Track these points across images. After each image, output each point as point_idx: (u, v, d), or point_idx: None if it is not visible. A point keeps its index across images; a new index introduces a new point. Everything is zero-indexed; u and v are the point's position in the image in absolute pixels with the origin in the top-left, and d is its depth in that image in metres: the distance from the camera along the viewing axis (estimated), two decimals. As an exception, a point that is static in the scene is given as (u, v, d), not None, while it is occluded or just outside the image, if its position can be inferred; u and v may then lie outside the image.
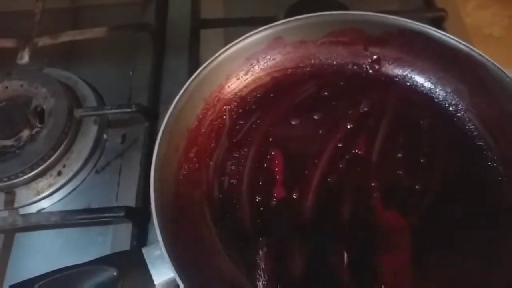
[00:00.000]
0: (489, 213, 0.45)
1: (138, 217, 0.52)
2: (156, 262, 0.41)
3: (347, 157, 0.50)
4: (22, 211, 0.55)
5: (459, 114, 0.51)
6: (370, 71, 0.55)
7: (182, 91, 0.47)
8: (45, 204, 0.56)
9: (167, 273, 0.40)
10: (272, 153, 0.51)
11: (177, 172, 0.47)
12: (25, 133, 0.58)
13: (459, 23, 0.70)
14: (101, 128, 0.60)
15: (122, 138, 0.61)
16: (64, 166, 0.57)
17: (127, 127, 0.61)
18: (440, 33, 0.50)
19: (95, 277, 0.38)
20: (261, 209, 0.48)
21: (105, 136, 0.61)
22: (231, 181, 0.50)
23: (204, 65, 0.49)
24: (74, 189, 0.57)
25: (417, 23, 0.51)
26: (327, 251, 0.45)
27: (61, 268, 0.39)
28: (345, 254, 0.44)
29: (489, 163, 0.48)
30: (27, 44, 0.65)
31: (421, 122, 0.51)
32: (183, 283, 0.38)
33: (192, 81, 0.48)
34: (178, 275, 0.38)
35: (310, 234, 0.46)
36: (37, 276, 0.39)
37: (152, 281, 0.40)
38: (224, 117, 0.53)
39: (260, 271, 0.44)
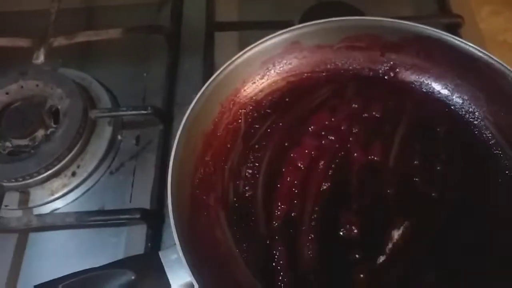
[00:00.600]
0: (505, 223, 0.45)
1: (153, 219, 0.52)
2: (173, 266, 0.41)
3: (362, 162, 0.50)
4: (36, 211, 0.56)
5: (476, 122, 0.51)
6: (387, 77, 0.55)
7: (199, 94, 0.48)
8: (59, 204, 0.56)
9: (184, 277, 0.40)
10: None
11: (193, 175, 0.47)
12: (40, 133, 0.59)
13: (475, 29, 0.69)
14: (115, 129, 0.61)
15: (137, 139, 0.61)
16: (78, 167, 0.58)
17: (141, 128, 0.61)
18: (457, 40, 0.50)
19: (113, 280, 0.39)
20: (277, 213, 0.48)
21: (119, 137, 0.61)
22: (246, 185, 0.50)
23: (221, 69, 0.50)
24: (88, 190, 0.57)
25: (434, 29, 0.51)
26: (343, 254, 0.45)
27: (82, 270, 0.39)
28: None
29: (507, 172, 0.48)
30: (43, 44, 0.65)
31: (438, 129, 0.51)
32: (200, 286, 0.38)
33: (209, 85, 0.48)
34: (196, 279, 0.39)
35: (324, 239, 0.46)
36: (60, 278, 0.39)
37: (169, 285, 0.40)
38: (240, 121, 0.53)
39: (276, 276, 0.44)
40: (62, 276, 0.39)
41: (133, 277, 0.39)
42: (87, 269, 0.39)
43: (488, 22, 0.75)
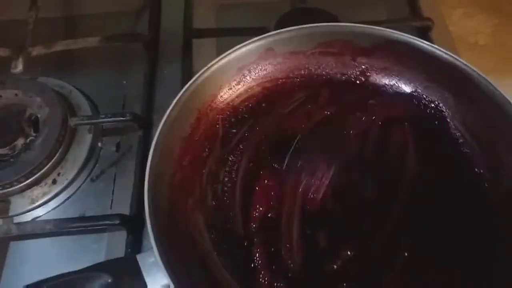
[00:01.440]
0: (477, 219, 0.47)
1: (132, 225, 0.53)
2: (151, 269, 0.41)
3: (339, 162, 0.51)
4: (17, 219, 0.56)
5: (445, 122, 0.53)
6: (358, 81, 0.57)
7: (175, 101, 0.49)
8: (40, 212, 0.57)
9: (162, 280, 0.41)
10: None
11: (171, 180, 0.48)
12: (20, 142, 0.59)
13: (445, 32, 0.72)
14: (95, 137, 0.61)
15: (117, 146, 0.62)
16: (58, 175, 0.58)
17: (121, 135, 0.62)
18: (425, 43, 0.52)
19: (90, 284, 0.39)
20: (254, 215, 0.49)
21: (99, 144, 0.62)
22: (224, 189, 0.51)
23: (197, 75, 0.51)
24: (69, 198, 0.58)
25: (403, 34, 0.53)
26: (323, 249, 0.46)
27: (57, 275, 0.40)
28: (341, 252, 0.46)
29: (476, 170, 0.50)
30: (21, 53, 0.65)
31: (407, 130, 0.53)
32: (177, 288, 0.39)
33: (185, 91, 0.49)
34: (173, 282, 0.39)
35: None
36: (31, 284, 0.40)
37: (146, 287, 0.41)
38: (217, 126, 0.54)
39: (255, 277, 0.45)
40: (37, 281, 0.39)
41: (109, 280, 0.39)
42: (63, 274, 0.40)
43: (460, 24, 0.78)
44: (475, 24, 0.78)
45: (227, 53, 0.52)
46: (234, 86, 0.55)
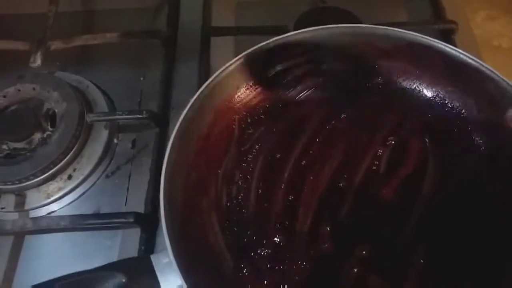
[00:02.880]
0: (494, 230, 0.46)
1: (146, 223, 0.53)
2: (165, 270, 0.41)
3: (354, 167, 0.50)
4: (32, 213, 0.56)
5: (467, 129, 0.52)
6: (379, 84, 0.55)
7: (192, 100, 0.48)
8: (55, 207, 0.57)
9: (175, 281, 0.41)
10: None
11: (186, 179, 0.48)
12: (37, 136, 0.59)
13: (469, 35, 0.70)
14: (111, 133, 0.61)
15: (133, 143, 0.62)
16: (74, 170, 0.58)
17: (137, 132, 0.62)
18: (448, 47, 0.50)
19: (104, 283, 0.39)
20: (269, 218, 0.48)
21: (115, 140, 0.62)
22: (240, 190, 0.51)
23: (214, 75, 0.50)
24: (83, 193, 0.58)
25: (425, 36, 0.51)
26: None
27: (72, 273, 0.40)
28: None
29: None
30: (40, 47, 0.65)
31: (428, 135, 0.51)
32: (190, 290, 0.39)
33: (202, 90, 0.49)
34: (186, 283, 0.39)
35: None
36: (44, 282, 0.40)
37: (160, 288, 0.41)
38: (234, 126, 0.53)
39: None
40: (51, 279, 0.39)
41: (123, 280, 0.39)
42: (77, 272, 0.40)
43: (483, 27, 0.76)
44: (499, 27, 0.76)
45: (244, 53, 0.52)
46: (251, 86, 0.55)
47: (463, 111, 0.52)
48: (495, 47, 0.74)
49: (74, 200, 0.58)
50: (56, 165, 0.57)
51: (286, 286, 0.45)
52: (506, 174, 0.48)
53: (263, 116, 0.55)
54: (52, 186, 0.57)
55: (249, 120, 0.54)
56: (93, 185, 0.59)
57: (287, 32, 0.53)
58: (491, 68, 0.49)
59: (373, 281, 0.44)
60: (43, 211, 0.57)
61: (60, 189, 0.57)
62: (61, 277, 0.40)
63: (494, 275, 0.44)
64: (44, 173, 0.56)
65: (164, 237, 0.41)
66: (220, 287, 0.44)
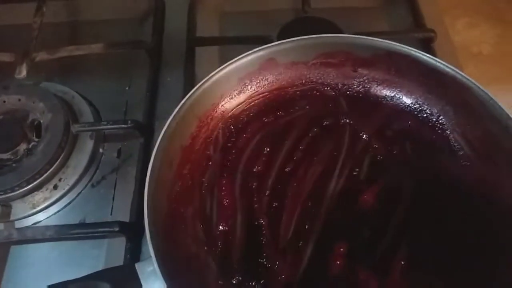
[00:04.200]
0: (475, 230, 0.47)
1: (132, 232, 0.53)
2: (149, 278, 0.42)
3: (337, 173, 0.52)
4: (18, 224, 0.56)
5: (445, 134, 0.53)
6: (359, 92, 0.57)
7: (176, 110, 0.49)
8: (40, 217, 0.57)
9: (159, 288, 0.41)
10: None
11: (171, 188, 0.49)
12: (22, 147, 0.59)
13: (448, 43, 0.72)
14: (97, 143, 0.62)
15: (118, 152, 0.62)
16: (60, 180, 0.59)
17: (122, 141, 0.62)
18: (425, 55, 0.52)
19: (89, 292, 0.40)
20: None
21: (101, 150, 0.62)
22: (224, 199, 0.51)
23: (198, 85, 0.51)
24: (69, 203, 0.58)
25: (403, 46, 0.53)
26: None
27: (55, 284, 0.40)
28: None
29: (474, 182, 0.50)
30: (25, 58, 0.66)
31: (408, 141, 0.53)
32: (174, 299, 0.39)
33: (186, 100, 0.50)
34: (170, 291, 0.40)
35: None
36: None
37: (144, 296, 0.41)
38: (218, 135, 0.54)
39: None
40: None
41: (108, 289, 0.40)
42: (61, 282, 0.40)
43: (464, 34, 0.78)
44: (479, 34, 0.78)
45: (228, 63, 0.53)
46: (235, 95, 0.56)
47: (441, 117, 0.54)
48: (475, 54, 0.76)
49: (59, 210, 0.58)
50: (42, 175, 0.57)
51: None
52: (485, 175, 0.49)
53: (247, 125, 0.55)
54: (38, 196, 0.58)
55: (233, 129, 0.55)
56: (78, 194, 0.59)
57: (270, 42, 0.55)
58: (467, 76, 0.50)
59: (359, 271, 0.45)
60: (29, 221, 0.57)
61: (45, 199, 0.57)
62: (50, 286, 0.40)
63: (477, 274, 0.45)
64: (30, 184, 0.56)
65: (148, 246, 0.41)
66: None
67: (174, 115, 0.49)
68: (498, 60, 0.75)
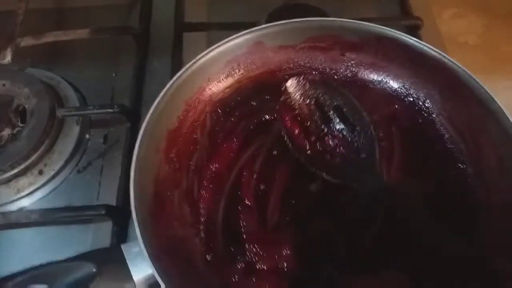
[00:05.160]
0: (460, 213, 0.47)
1: (118, 216, 0.53)
2: (136, 259, 0.41)
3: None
4: (2, 209, 0.55)
5: (431, 118, 0.53)
6: (347, 77, 0.57)
7: (163, 92, 0.49)
8: (25, 202, 0.57)
9: (146, 269, 0.41)
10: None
11: (158, 172, 0.48)
12: (7, 132, 0.59)
13: (434, 31, 0.72)
14: (83, 128, 0.61)
15: (104, 138, 0.61)
16: (45, 165, 0.58)
17: (109, 127, 0.62)
18: (412, 39, 0.52)
19: (73, 273, 0.39)
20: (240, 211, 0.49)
21: (87, 136, 0.62)
22: (211, 182, 0.51)
23: (185, 67, 0.51)
24: (55, 188, 0.58)
25: (391, 29, 0.53)
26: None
27: (39, 265, 0.40)
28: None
29: (459, 165, 0.50)
30: (10, 43, 0.65)
31: (394, 125, 0.53)
32: (161, 279, 0.39)
33: (173, 83, 0.49)
34: (157, 271, 0.39)
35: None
36: (14, 273, 0.40)
37: (131, 277, 0.41)
38: (205, 118, 0.54)
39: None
40: (16, 272, 0.39)
41: (94, 270, 0.39)
42: (43, 264, 0.40)
43: (451, 24, 0.78)
44: (466, 24, 0.79)
45: (215, 46, 0.52)
46: (222, 79, 0.55)
47: (428, 101, 0.54)
48: (461, 44, 0.76)
49: (45, 196, 0.57)
50: (27, 160, 0.56)
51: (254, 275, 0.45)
52: (470, 158, 0.50)
53: (235, 109, 0.55)
54: (23, 181, 0.57)
55: (221, 113, 0.55)
56: (64, 180, 0.58)
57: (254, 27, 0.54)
58: (453, 61, 0.51)
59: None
60: (13, 207, 0.56)
61: (30, 184, 0.57)
62: (30, 268, 0.39)
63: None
64: (14, 168, 0.56)
65: (135, 228, 0.41)
66: (191, 276, 0.44)
67: (161, 98, 0.48)
68: (485, 50, 0.75)
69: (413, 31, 0.68)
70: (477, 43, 0.77)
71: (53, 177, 0.58)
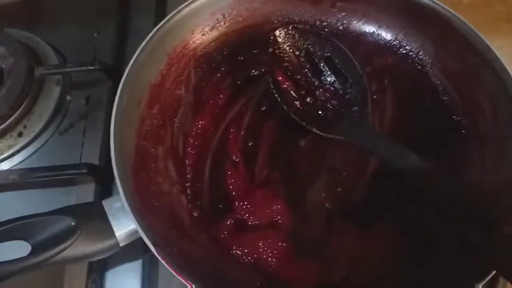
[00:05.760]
0: (452, 164, 0.46)
1: (100, 174, 0.51)
2: (117, 214, 0.40)
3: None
4: (-19, 172, 0.53)
5: (425, 70, 0.51)
6: (338, 29, 0.54)
7: (143, 43, 0.46)
8: (5, 166, 0.55)
9: (128, 224, 0.39)
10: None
11: (139, 126, 0.46)
12: (-17, 93, 0.56)
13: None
14: (64, 89, 0.59)
15: (86, 99, 0.59)
16: (25, 127, 0.56)
17: (91, 88, 0.59)
18: (406, -12, 0.50)
19: (51, 227, 0.38)
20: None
21: (68, 97, 0.59)
22: (198, 139, 0.49)
23: (167, 17, 0.48)
24: (36, 151, 0.56)
25: (383, -22, 0.51)
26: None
27: (17, 217, 0.38)
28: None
29: (453, 117, 0.49)
30: (-15, 3, 0.62)
31: (387, 78, 0.51)
32: (144, 233, 0.38)
33: (154, 33, 0.47)
34: (139, 226, 0.38)
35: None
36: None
37: (113, 232, 0.39)
38: (190, 74, 0.52)
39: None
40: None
41: (72, 223, 0.37)
42: (21, 217, 0.38)
43: (445, -18, 0.76)
44: (459, -17, 0.76)
45: (199, -5, 0.50)
46: (207, 31, 0.53)
47: (421, 52, 0.52)
48: (456, 3, 0.74)
49: (25, 159, 0.55)
50: (5, 121, 0.54)
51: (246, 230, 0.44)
52: (464, 110, 0.48)
53: (220, 64, 0.53)
54: (2, 144, 0.55)
55: (206, 68, 0.52)
56: (45, 142, 0.56)
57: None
58: (446, 7, 0.49)
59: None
60: (-8, 170, 0.54)
61: (10, 146, 0.55)
62: (7, 221, 0.38)
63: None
64: (-8, 130, 0.53)
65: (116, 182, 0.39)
66: (176, 231, 0.42)
67: (142, 48, 0.46)
68: (479, 9, 0.73)
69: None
70: (472, 2, 0.74)
71: (34, 139, 0.55)
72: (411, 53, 0.52)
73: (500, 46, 0.65)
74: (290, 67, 0.50)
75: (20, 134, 0.55)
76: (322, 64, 0.49)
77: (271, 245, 0.43)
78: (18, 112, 0.55)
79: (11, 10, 0.64)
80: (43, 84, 0.58)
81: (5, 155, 0.54)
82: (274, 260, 0.42)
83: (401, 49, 0.53)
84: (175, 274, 0.36)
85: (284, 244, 0.43)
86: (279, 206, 0.45)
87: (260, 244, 0.42)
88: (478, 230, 0.37)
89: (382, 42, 0.54)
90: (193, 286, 0.36)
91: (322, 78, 0.50)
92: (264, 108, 0.51)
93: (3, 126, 0.54)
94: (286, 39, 0.49)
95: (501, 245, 0.36)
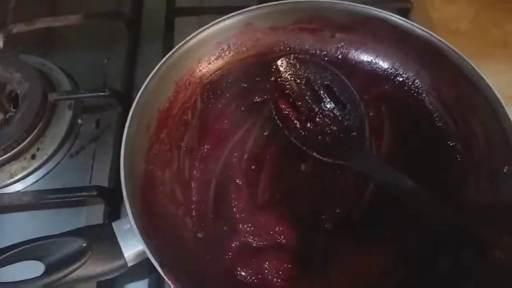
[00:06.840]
0: (447, 188, 0.48)
1: (110, 196, 0.53)
2: (126, 235, 0.42)
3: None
4: (-5, 193, 0.56)
5: (421, 97, 0.54)
6: (337, 58, 0.57)
7: (153, 72, 0.49)
8: (18, 187, 0.57)
9: (136, 245, 0.41)
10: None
11: (148, 151, 0.48)
12: (-1, 117, 0.59)
13: (424, 15, 0.72)
14: (75, 113, 0.61)
15: (97, 123, 0.62)
16: (38, 150, 0.58)
17: (101, 112, 0.62)
18: (401, 19, 0.53)
19: (63, 248, 0.39)
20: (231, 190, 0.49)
21: (79, 121, 0.62)
22: (203, 163, 0.51)
23: (175, 48, 0.51)
24: (48, 173, 0.58)
25: (380, 10, 0.53)
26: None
27: (32, 239, 0.40)
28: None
29: (448, 142, 0.51)
30: (2, 30, 0.65)
31: (384, 104, 0.53)
32: (152, 255, 0.39)
33: (163, 63, 0.50)
34: (147, 247, 0.40)
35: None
36: (4, 248, 0.40)
37: (121, 253, 0.41)
38: (196, 100, 0.54)
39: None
40: (10, 245, 0.39)
41: (84, 245, 0.39)
42: (33, 239, 0.40)
43: (442, 10, 0.78)
44: (457, 10, 0.79)
45: (206, 26, 0.53)
46: (213, 60, 0.55)
47: (417, 80, 0.54)
48: (453, 30, 0.76)
49: (38, 180, 0.57)
50: (19, 144, 0.57)
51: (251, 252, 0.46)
52: (459, 136, 0.50)
53: (225, 91, 0.55)
54: (16, 166, 0.57)
55: (211, 95, 0.55)
56: (57, 164, 0.58)
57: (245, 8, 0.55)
58: (441, 39, 0.51)
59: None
60: (6, 191, 0.56)
61: (23, 168, 0.57)
62: (20, 243, 0.40)
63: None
64: (7, 153, 0.56)
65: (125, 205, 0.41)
66: (181, 252, 0.44)
67: (151, 77, 0.49)
68: (475, 37, 0.75)
69: (403, 14, 0.67)
70: (469, 30, 0.77)
71: (46, 161, 0.58)
72: (407, 81, 0.55)
73: (497, 71, 0.67)
74: (291, 94, 0.53)
75: (33, 157, 0.58)
76: (321, 92, 0.52)
77: (276, 265, 0.44)
78: (32, 135, 0.57)
79: (26, 37, 0.67)
80: (55, 108, 0.61)
81: (19, 177, 0.57)
82: (279, 280, 0.44)
83: (397, 77, 0.55)
84: (180, 293, 0.38)
85: (289, 266, 0.44)
86: (281, 228, 0.46)
87: (265, 265, 0.44)
88: (471, 254, 0.39)
89: (379, 70, 0.56)
90: (198, 306, 0.38)
91: (322, 105, 0.52)
92: (266, 133, 0.53)
93: (17, 148, 0.56)
94: (287, 68, 0.52)
95: (492, 269, 0.37)
